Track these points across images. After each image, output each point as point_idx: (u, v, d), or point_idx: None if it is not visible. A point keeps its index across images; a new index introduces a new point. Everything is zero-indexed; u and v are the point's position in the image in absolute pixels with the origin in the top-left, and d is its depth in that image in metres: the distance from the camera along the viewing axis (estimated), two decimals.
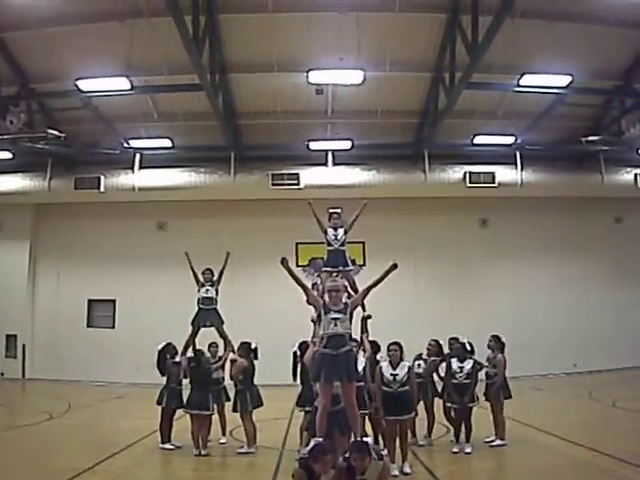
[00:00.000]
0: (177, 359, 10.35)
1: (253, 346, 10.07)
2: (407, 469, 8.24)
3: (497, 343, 10.19)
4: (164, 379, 10.31)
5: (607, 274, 21.56)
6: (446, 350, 10.51)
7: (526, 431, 10.84)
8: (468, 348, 9.81)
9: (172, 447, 9.93)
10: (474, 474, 8.66)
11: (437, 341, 10.58)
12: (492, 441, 9.82)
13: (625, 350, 20.84)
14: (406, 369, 8.54)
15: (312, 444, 6.43)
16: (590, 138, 17.91)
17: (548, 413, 13.21)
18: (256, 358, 10.08)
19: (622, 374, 19.67)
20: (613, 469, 7.89)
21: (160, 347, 10.34)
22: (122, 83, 14.52)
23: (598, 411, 13.58)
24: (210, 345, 11.01)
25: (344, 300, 7.03)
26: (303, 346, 9.10)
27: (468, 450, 9.38)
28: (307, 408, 8.45)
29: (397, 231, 20.32)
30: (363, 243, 20.32)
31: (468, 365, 9.72)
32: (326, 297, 7.04)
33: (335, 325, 6.75)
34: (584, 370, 20.21)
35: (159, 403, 10.17)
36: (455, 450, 9.47)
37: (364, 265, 19.92)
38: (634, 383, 18.68)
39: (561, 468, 8.25)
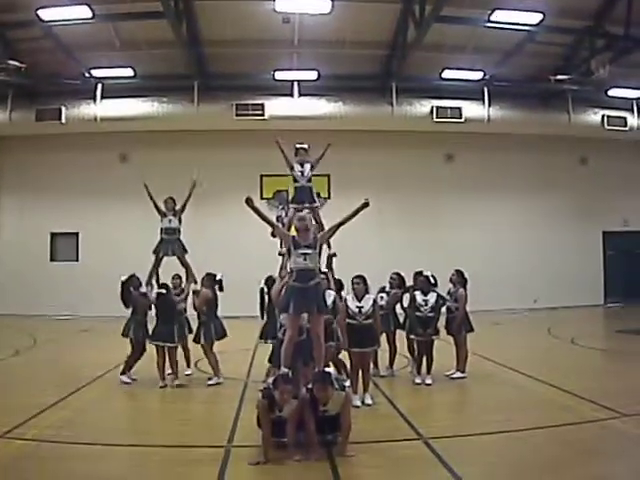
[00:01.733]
0: (142, 290, 10.28)
1: (218, 278, 10.03)
2: (368, 400, 8.38)
3: (459, 278, 10.28)
4: (128, 311, 10.26)
5: (570, 213, 21.91)
6: (411, 283, 10.56)
7: (486, 365, 11.07)
8: (432, 281, 9.89)
9: (129, 381, 9.93)
10: (435, 405, 8.85)
11: (399, 273, 10.64)
12: (452, 374, 10.04)
13: (585, 288, 21.48)
14: (371, 302, 8.58)
15: (275, 375, 6.55)
16: (559, 77, 17.91)
17: (508, 348, 13.54)
18: (221, 290, 10.03)
19: (581, 311, 20.27)
20: (571, 405, 8.08)
21: (123, 279, 10.21)
22: (83, 11, 14.19)
23: (557, 347, 13.91)
24: (173, 277, 10.90)
25: (312, 235, 7.04)
26: (269, 281, 9.16)
27: (429, 382, 9.58)
28: (270, 341, 8.56)
29: (362, 164, 20.27)
30: (328, 176, 20.21)
31: (432, 298, 9.78)
32: (293, 232, 7.04)
33: (304, 260, 6.87)
34: (544, 306, 20.70)
35: (125, 335, 10.13)
36: (417, 382, 9.66)
37: (329, 198, 19.84)
38: (592, 321, 19.29)
39: (520, 402, 8.45)
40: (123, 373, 9.99)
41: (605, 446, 6.65)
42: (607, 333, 17.22)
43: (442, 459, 5.99)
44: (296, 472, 5.90)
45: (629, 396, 8.34)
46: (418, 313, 9.79)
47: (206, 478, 5.65)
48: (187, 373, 10.57)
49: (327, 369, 6.94)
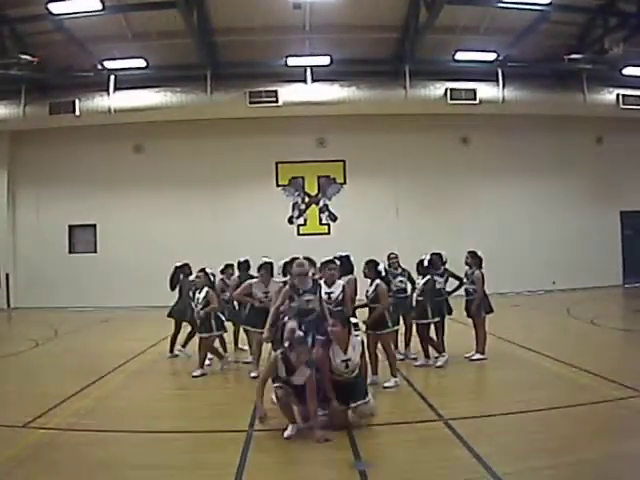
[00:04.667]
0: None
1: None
2: (389, 383, 8.35)
3: (474, 259, 10.19)
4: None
5: (587, 193, 21.73)
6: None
7: (506, 346, 11.05)
8: (425, 264, 9.76)
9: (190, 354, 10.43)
10: (455, 387, 8.79)
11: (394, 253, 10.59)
12: (472, 356, 10.02)
13: (603, 268, 21.27)
14: (373, 287, 8.45)
15: (290, 327, 6.99)
16: (573, 56, 17.73)
17: (527, 329, 13.51)
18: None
19: (600, 292, 20.07)
20: (591, 384, 8.07)
21: (178, 264, 11.05)
22: (93, 3, 14.24)
23: (577, 328, 13.83)
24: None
25: (311, 280, 7.60)
26: (287, 267, 8.94)
27: (436, 363, 9.55)
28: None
29: (377, 148, 20.12)
30: (344, 161, 20.13)
31: (422, 281, 9.73)
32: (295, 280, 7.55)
33: (307, 304, 7.39)
34: (563, 288, 20.64)
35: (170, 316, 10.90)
36: (417, 363, 9.73)
37: (345, 183, 19.77)
38: (612, 301, 19.13)
39: (540, 382, 8.43)
40: (184, 346, 10.71)
41: (624, 424, 6.63)
42: (626, 313, 17.10)
43: (462, 439, 6.01)
44: (318, 452, 5.96)
45: None
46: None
47: (227, 462, 5.67)
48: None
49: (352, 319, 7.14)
